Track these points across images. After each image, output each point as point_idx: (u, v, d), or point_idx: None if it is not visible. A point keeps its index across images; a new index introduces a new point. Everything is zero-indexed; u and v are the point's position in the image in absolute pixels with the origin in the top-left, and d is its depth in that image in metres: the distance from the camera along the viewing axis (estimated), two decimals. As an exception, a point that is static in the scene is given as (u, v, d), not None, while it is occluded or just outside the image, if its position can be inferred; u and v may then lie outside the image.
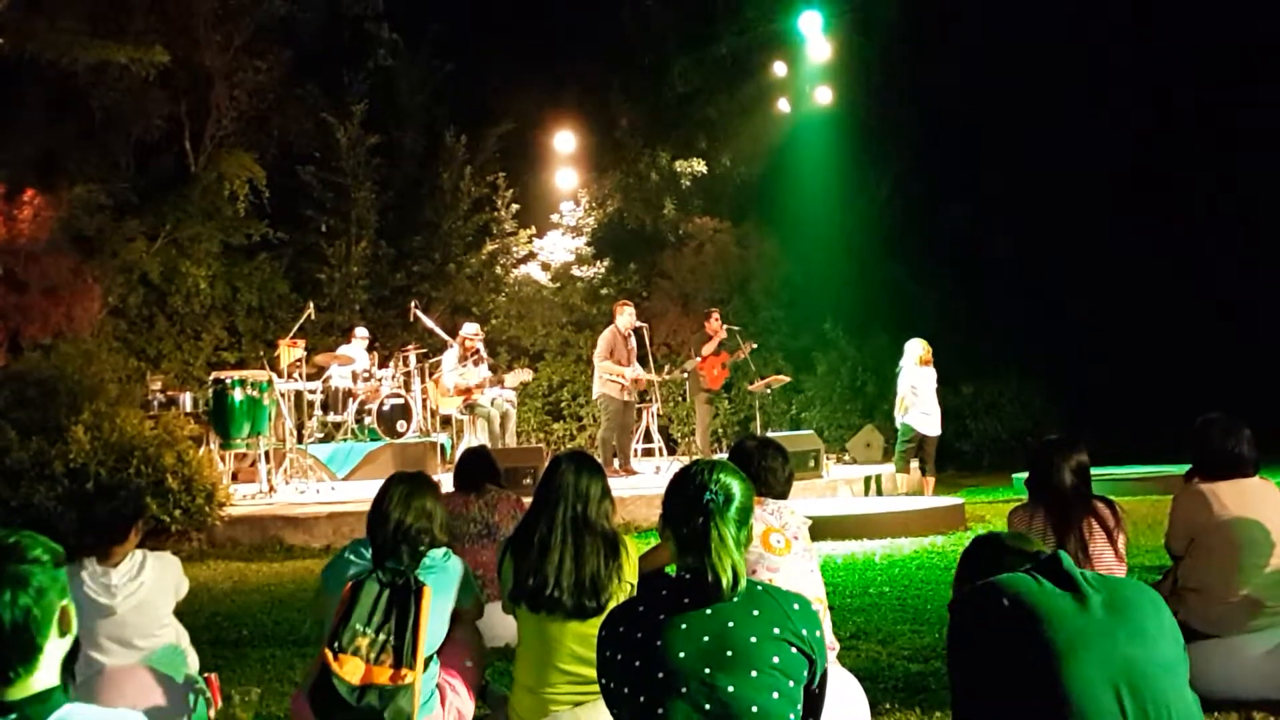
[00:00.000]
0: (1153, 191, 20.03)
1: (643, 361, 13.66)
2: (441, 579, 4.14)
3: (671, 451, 16.19)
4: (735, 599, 2.68)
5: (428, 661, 3.97)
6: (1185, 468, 5.04)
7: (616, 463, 13.18)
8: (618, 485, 11.89)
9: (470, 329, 14.17)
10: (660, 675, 2.59)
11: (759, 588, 2.79)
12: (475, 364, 13.77)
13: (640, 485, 12.21)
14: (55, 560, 2.45)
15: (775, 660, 2.59)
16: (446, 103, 21.37)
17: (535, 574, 4.08)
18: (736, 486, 2.81)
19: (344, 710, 3.79)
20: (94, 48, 15.80)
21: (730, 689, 2.56)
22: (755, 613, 2.66)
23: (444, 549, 4.28)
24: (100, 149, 17.83)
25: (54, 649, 2.41)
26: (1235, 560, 4.63)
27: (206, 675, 4.69)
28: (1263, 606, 4.65)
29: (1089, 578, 2.45)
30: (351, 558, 4.20)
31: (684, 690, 2.57)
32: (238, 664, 6.14)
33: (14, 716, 2.33)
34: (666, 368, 15.61)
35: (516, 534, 4.32)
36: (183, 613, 4.92)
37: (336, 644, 3.83)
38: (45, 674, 2.40)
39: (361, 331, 16.06)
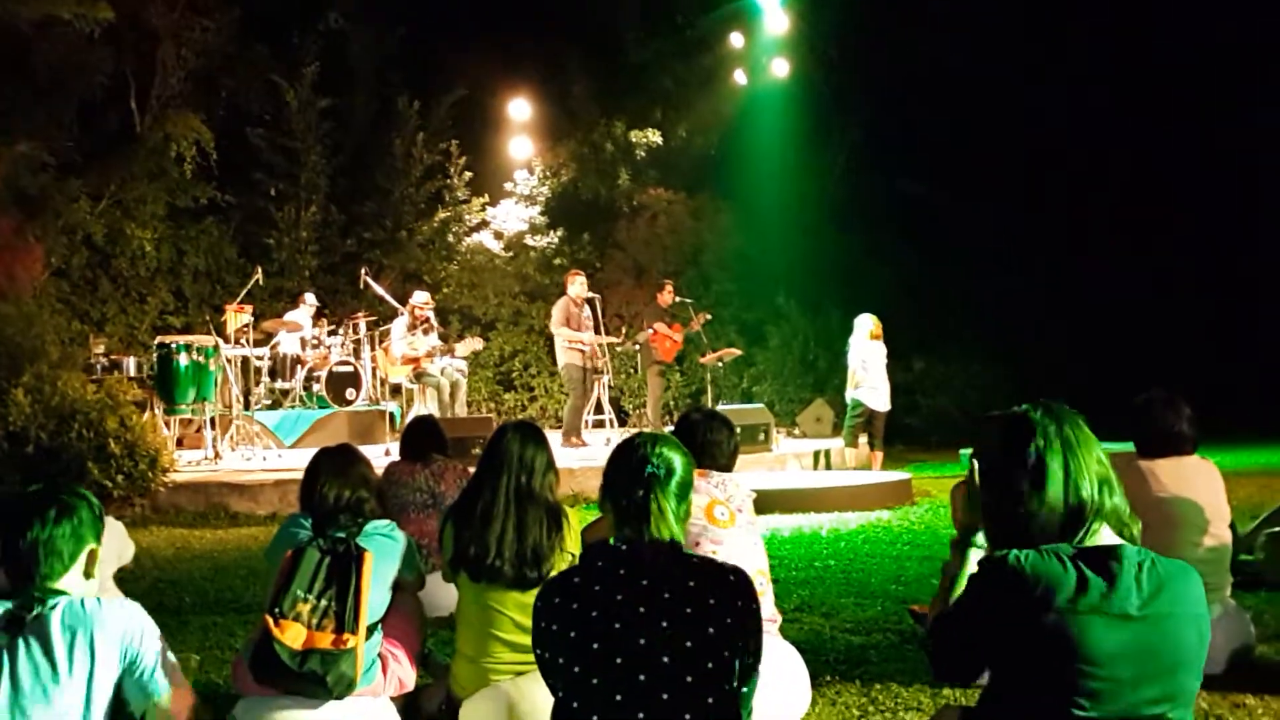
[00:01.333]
0: (1106, 166, 20.18)
1: (596, 331, 13.65)
2: (384, 546, 4.12)
3: (623, 423, 16.20)
4: (672, 570, 2.68)
5: (371, 630, 3.95)
6: (1131, 446, 5.08)
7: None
8: (568, 456, 11.91)
9: (420, 297, 14.07)
10: (596, 646, 2.59)
11: (694, 559, 2.78)
12: (425, 333, 13.68)
13: (591, 456, 12.20)
14: (98, 512, 3.11)
15: (710, 631, 2.59)
16: (399, 67, 21.12)
17: (477, 542, 4.07)
18: (678, 460, 2.82)
19: (286, 675, 3.77)
20: (36, 2, 15.48)
21: (665, 659, 2.56)
22: (691, 584, 2.65)
23: (389, 521, 4.27)
24: (44, 107, 17.47)
25: (75, 578, 3.02)
26: (1172, 537, 4.68)
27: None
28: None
29: (1141, 584, 2.42)
30: (294, 530, 4.18)
31: (619, 661, 2.56)
32: (179, 630, 6.08)
33: (18, 601, 2.92)
34: (621, 336, 15.59)
35: (459, 502, 4.31)
36: (124, 579, 4.88)
37: (277, 610, 3.81)
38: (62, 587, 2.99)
39: (310, 298, 15.90)
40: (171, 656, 3.13)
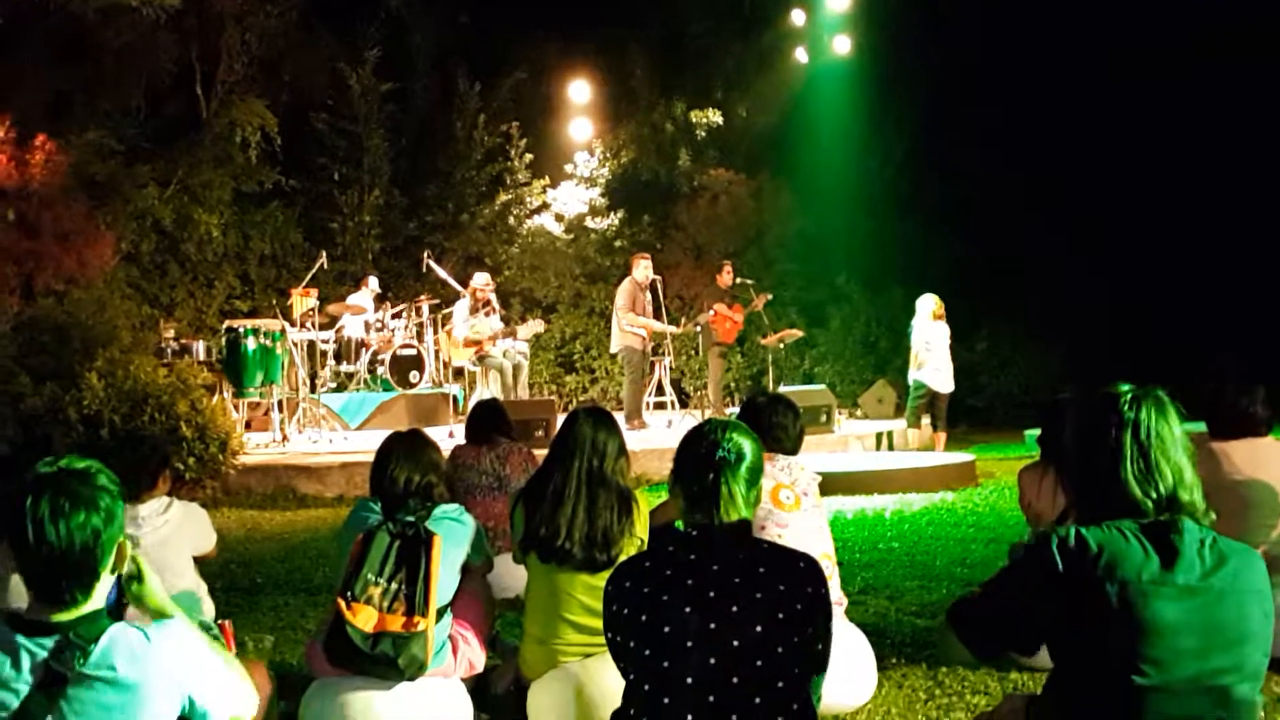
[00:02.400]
0: (1175, 144, 19.82)
1: (656, 314, 13.67)
2: (453, 530, 4.17)
3: (684, 405, 16.21)
4: (741, 556, 2.70)
5: (441, 612, 4.00)
6: (1200, 426, 5.02)
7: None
8: (629, 438, 11.92)
9: (481, 279, 14.12)
10: (666, 630, 2.61)
11: (764, 545, 2.81)
12: (487, 315, 13.74)
13: (652, 439, 12.23)
14: (119, 492, 2.62)
15: (780, 616, 2.61)
16: (460, 51, 21.19)
17: (547, 524, 4.10)
18: (748, 446, 2.84)
19: (358, 657, 3.83)
20: (104, -11, 15.70)
21: (735, 644, 2.58)
22: (761, 570, 2.67)
23: (457, 505, 4.31)
24: (111, 94, 17.71)
25: (107, 581, 2.60)
26: (1246, 520, 4.63)
27: (220, 622, 4.71)
28: (1273, 566, 4.65)
29: (1203, 559, 2.45)
30: (364, 514, 4.23)
31: (689, 645, 2.58)
32: (251, 611, 6.19)
33: (57, 638, 2.46)
34: (682, 320, 15.59)
35: (530, 484, 4.34)
36: (196, 559, 4.97)
37: (349, 593, 3.87)
38: (96, 601, 2.55)
39: (372, 281, 16.05)
40: (232, 670, 2.78)
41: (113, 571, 2.62)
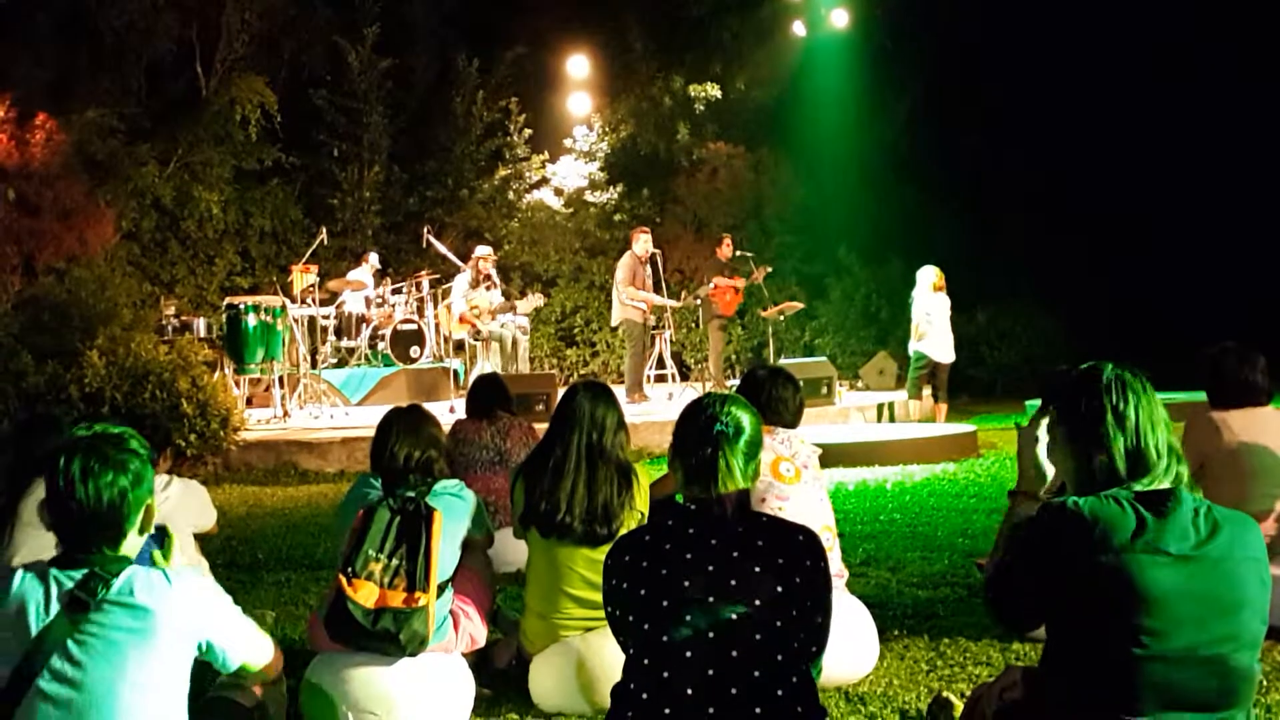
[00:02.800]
0: (1170, 113, 19.75)
1: (656, 287, 13.67)
2: (453, 505, 4.17)
3: (684, 378, 16.21)
4: (740, 529, 2.71)
5: (442, 588, 4.01)
6: (1199, 395, 5.03)
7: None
8: (629, 411, 11.95)
9: (483, 250, 14.12)
10: (665, 604, 2.62)
11: (763, 519, 2.82)
12: (488, 289, 13.74)
13: (652, 411, 12.25)
14: (149, 457, 2.89)
15: (779, 589, 2.62)
16: (459, 26, 21.12)
17: (548, 499, 4.12)
18: (747, 419, 2.84)
19: (360, 633, 3.84)
20: (103, -32, 15.67)
21: (734, 617, 2.58)
22: (760, 543, 2.68)
23: (457, 480, 4.31)
24: (111, 72, 17.70)
25: (134, 541, 2.86)
26: (1245, 488, 4.65)
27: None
28: (1273, 535, 4.66)
29: (1198, 528, 2.47)
30: (365, 490, 4.24)
31: (688, 618, 2.59)
32: (253, 587, 6.21)
33: (85, 571, 2.73)
34: (682, 294, 15.58)
35: (530, 459, 4.35)
36: (197, 536, 4.98)
37: (350, 569, 3.87)
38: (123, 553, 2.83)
39: (373, 257, 16.04)
40: (247, 620, 3.04)
41: (141, 532, 2.87)
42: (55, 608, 2.70)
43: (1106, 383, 2.58)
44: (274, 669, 3.23)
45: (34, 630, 2.69)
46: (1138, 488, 2.51)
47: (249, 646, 3.03)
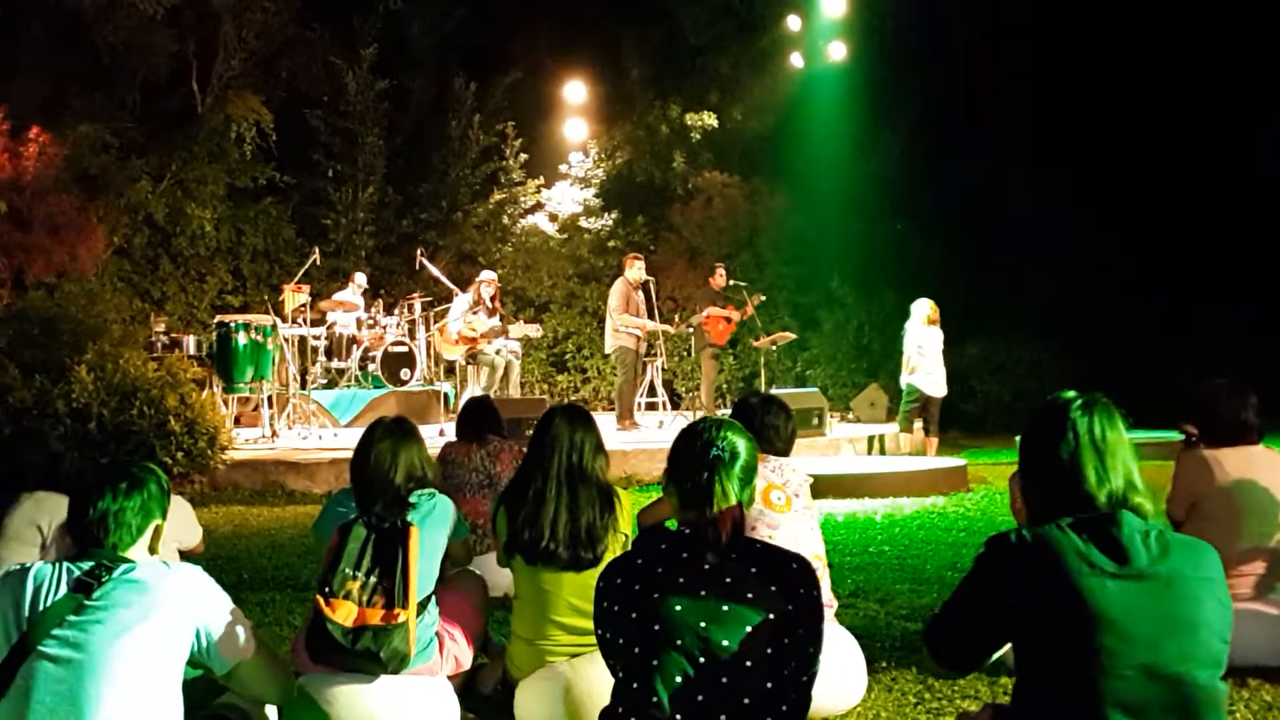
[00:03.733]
0: (1167, 149, 19.84)
1: (649, 314, 13.67)
2: (429, 517, 4.13)
3: (675, 406, 16.20)
4: (734, 555, 2.68)
5: (425, 605, 3.97)
6: (1176, 435, 5.02)
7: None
8: (621, 438, 11.92)
9: (488, 275, 14.13)
10: (656, 628, 2.59)
11: (757, 545, 2.79)
12: (490, 315, 13.73)
13: (643, 439, 12.21)
14: (166, 488, 3.21)
15: (771, 616, 2.59)
16: (456, 49, 21.21)
17: (531, 526, 4.08)
18: (742, 445, 2.82)
19: (340, 653, 3.79)
20: (101, -16, 15.69)
21: (725, 643, 2.56)
22: (753, 570, 2.65)
23: (430, 489, 4.26)
24: (106, 88, 17.71)
25: (141, 553, 3.08)
26: (1237, 527, 4.62)
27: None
28: (1263, 574, 4.64)
29: (1149, 547, 2.47)
30: (340, 507, 4.20)
31: (679, 643, 2.57)
32: (237, 607, 6.14)
33: (93, 563, 2.97)
34: (675, 320, 15.58)
35: (510, 486, 4.31)
36: (182, 554, 4.93)
37: (327, 589, 3.83)
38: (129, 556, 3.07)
39: (360, 277, 15.97)
40: (243, 619, 3.19)
41: (151, 551, 3.13)
42: (64, 591, 2.91)
43: (1073, 411, 2.58)
44: (277, 683, 3.41)
45: (41, 608, 2.90)
46: (1092, 514, 2.50)
47: (243, 643, 3.15)
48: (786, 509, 4.28)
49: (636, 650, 2.61)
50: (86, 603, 2.87)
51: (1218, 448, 4.79)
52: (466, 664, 4.29)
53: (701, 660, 2.55)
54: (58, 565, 2.97)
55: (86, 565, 2.95)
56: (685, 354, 17.67)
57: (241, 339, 12.38)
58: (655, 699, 2.55)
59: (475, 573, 4.84)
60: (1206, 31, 19.43)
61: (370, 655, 3.78)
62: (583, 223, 21.31)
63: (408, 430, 4.32)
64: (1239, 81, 19.61)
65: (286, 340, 13.73)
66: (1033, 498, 2.66)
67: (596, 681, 3.71)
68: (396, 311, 15.47)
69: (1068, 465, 2.54)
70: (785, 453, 4.54)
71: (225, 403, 12.52)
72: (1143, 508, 2.52)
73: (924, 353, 12.42)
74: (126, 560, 3.00)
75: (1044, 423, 2.61)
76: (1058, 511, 2.54)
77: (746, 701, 2.55)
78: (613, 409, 14.23)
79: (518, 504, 4.15)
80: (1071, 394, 2.63)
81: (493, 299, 13.81)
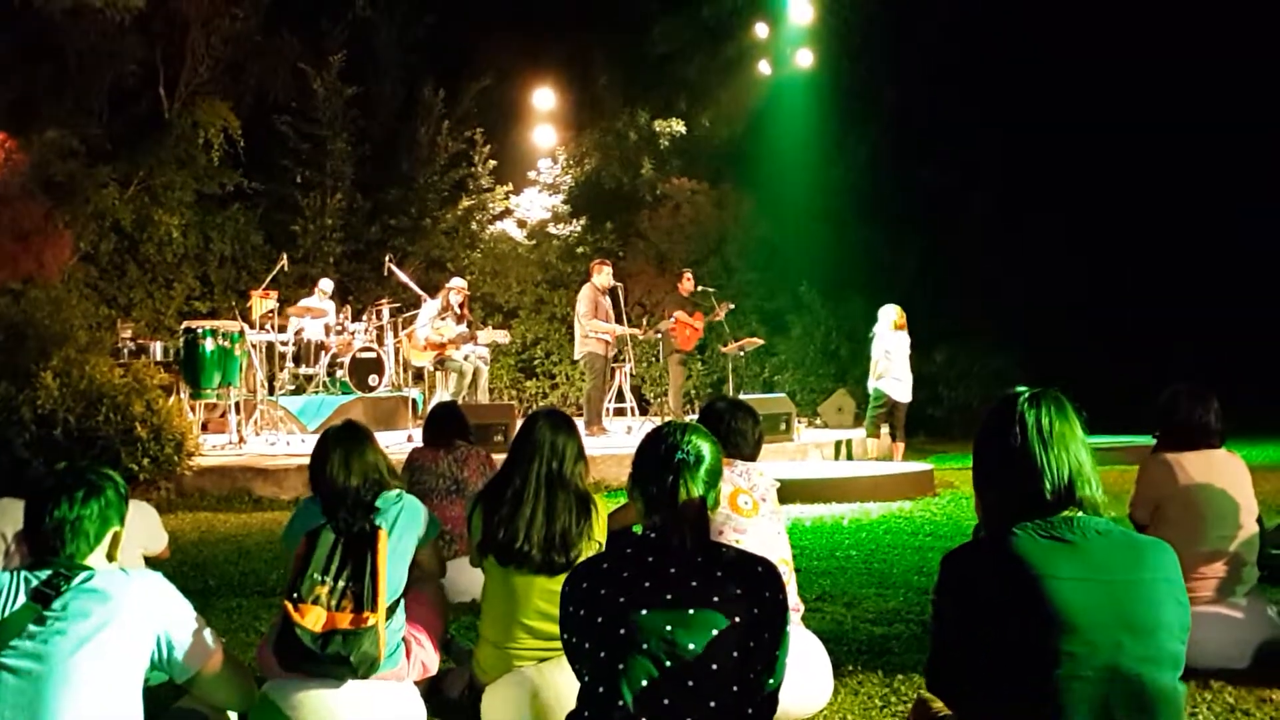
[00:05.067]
0: (1129, 157, 20.02)
1: (617, 319, 13.68)
2: (397, 519, 4.13)
3: (644, 412, 16.21)
4: (700, 559, 2.69)
5: (392, 610, 3.97)
6: (1148, 439, 5.06)
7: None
8: (590, 444, 11.93)
9: (457, 282, 14.12)
10: (622, 632, 2.60)
11: (723, 549, 2.80)
12: (457, 321, 13.71)
13: (612, 444, 12.23)
14: (124, 493, 3.14)
15: (736, 620, 2.60)
16: (425, 56, 21.18)
17: (506, 527, 4.09)
18: (707, 448, 2.82)
19: (309, 659, 3.79)
20: (69, -11, 15.58)
21: (691, 647, 2.57)
22: (719, 573, 2.66)
23: (396, 491, 4.27)
24: (74, 94, 17.60)
25: (99, 560, 3.04)
26: (1199, 530, 4.67)
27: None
28: (1224, 577, 4.69)
29: (1107, 548, 2.48)
30: (308, 514, 4.20)
31: (645, 647, 2.58)
32: (203, 614, 6.05)
33: (51, 572, 2.93)
34: (643, 326, 15.60)
35: (488, 487, 4.32)
36: (148, 561, 4.91)
37: (296, 595, 3.82)
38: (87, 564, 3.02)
39: (325, 283, 15.90)
40: (206, 626, 3.17)
41: (109, 559, 3.07)
42: (22, 600, 2.88)
43: (1021, 403, 2.59)
44: (239, 690, 3.36)
45: None
46: (1052, 516, 2.50)
47: (204, 650, 3.13)
48: (753, 513, 4.30)
49: (602, 654, 2.62)
50: (45, 613, 2.84)
51: (1179, 451, 4.85)
52: (433, 669, 4.30)
53: (667, 664, 2.56)
54: (15, 574, 2.93)
55: (44, 574, 2.92)
56: (654, 359, 17.69)
57: (209, 345, 12.33)
58: (621, 703, 2.56)
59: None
60: (1169, 43, 19.60)
61: (340, 659, 3.78)
62: (551, 229, 21.30)
63: (357, 434, 4.31)
64: (1200, 93, 19.80)
65: (254, 346, 13.68)
66: (984, 490, 2.67)
67: (563, 686, 3.72)
68: (365, 317, 15.44)
69: (1015, 456, 2.54)
70: (752, 457, 4.57)
71: (192, 409, 12.46)
72: (1091, 500, 2.52)
73: (891, 358, 12.48)
74: (85, 568, 2.97)
75: (994, 416, 2.61)
76: (1008, 504, 2.55)
77: (712, 705, 2.56)
78: (581, 414, 14.24)
79: (495, 504, 4.17)
80: (1023, 388, 2.63)
81: (461, 306, 13.81)
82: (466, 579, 5.25)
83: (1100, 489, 2.55)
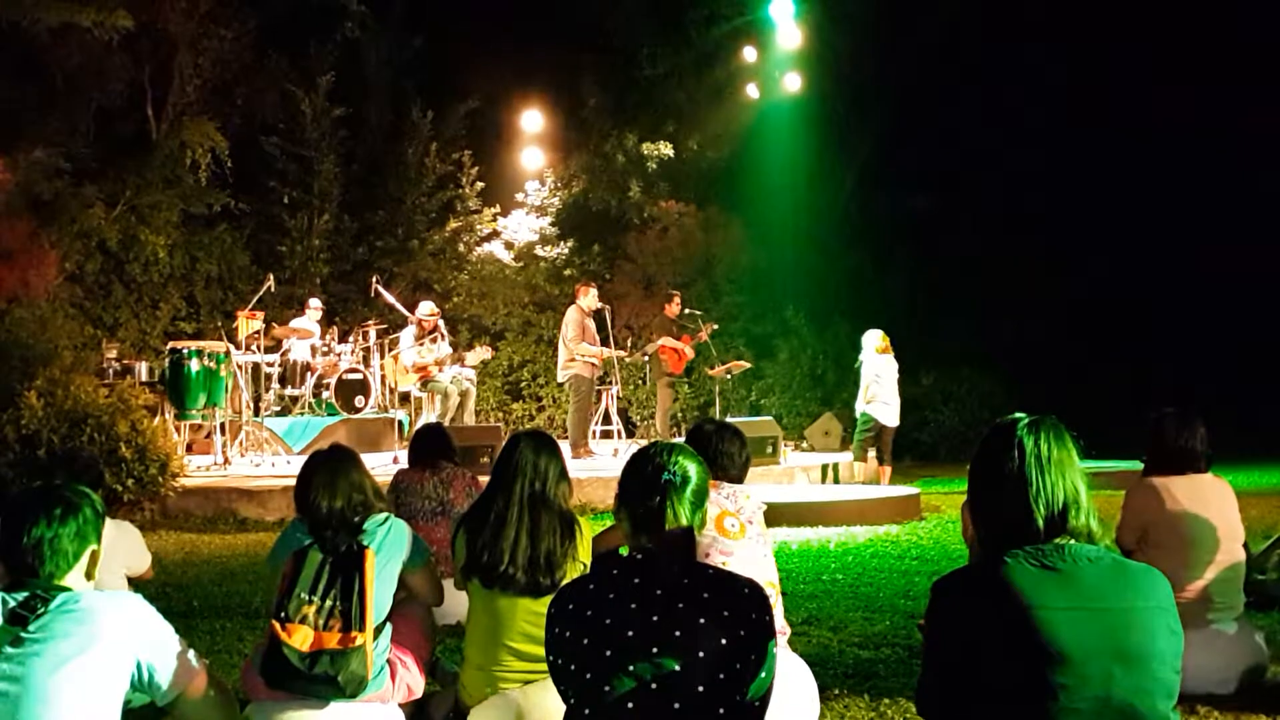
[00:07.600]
0: (1114, 186, 20.14)
1: (604, 342, 13.67)
2: (385, 541, 4.12)
3: (630, 434, 16.20)
4: (686, 580, 2.68)
5: (378, 632, 3.95)
6: (1138, 465, 5.07)
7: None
8: (575, 466, 11.90)
9: (426, 308, 14.09)
10: (608, 653, 2.58)
11: (709, 570, 2.78)
12: (434, 341, 13.69)
13: (598, 467, 12.21)
14: (101, 512, 3.10)
15: (723, 642, 2.59)
16: (413, 77, 21.23)
17: (490, 549, 4.07)
18: (694, 469, 2.82)
19: (297, 679, 3.77)
20: (57, 9, 15.56)
21: (676, 668, 2.55)
22: (705, 595, 2.65)
23: (384, 514, 4.26)
24: (61, 113, 17.56)
25: (77, 579, 3.00)
26: (1185, 555, 4.67)
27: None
28: (1211, 602, 4.69)
29: (1100, 577, 2.46)
30: (295, 535, 4.19)
31: (631, 669, 2.56)
32: (187, 635, 6.01)
33: (28, 593, 2.88)
34: (629, 347, 15.60)
35: (472, 509, 4.30)
36: (131, 582, 4.88)
37: (283, 614, 3.80)
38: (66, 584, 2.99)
39: (315, 303, 15.88)
40: (188, 649, 3.13)
41: (88, 577, 3.03)
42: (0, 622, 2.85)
43: (1020, 430, 2.58)
44: (221, 712, 3.30)
45: None
46: (1044, 543, 2.49)
47: (185, 673, 3.08)
48: (740, 536, 4.28)
49: (588, 676, 2.60)
50: (23, 634, 2.80)
51: (1166, 476, 4.85)
52: (418, 691, 4.27)
53: (653, 686, 2.54)
54: None
55: (21, 595, 2.88)
56: (640, 382, 17.69)
57: (194, 365, 12.27)
58: (607, 725, 2.55)
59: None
60: (1153, 70, 19.76)
61: (328, 679, 3.76)
62: (539, 251, 21.32)
63: (342, 457, 4.32)
64: (1182, 120, 19.92)
65: (240, 367, 13.64)
66: (979, 516, 2.66)
67: (549, 708, 3.70)
68: (351, 339, 15.41)
69: (1011, 482, 2.53)
70: (739, 480, 4.55)
71: (177, 429, 12.41)
72: (1084, 528, 2.51)
73: (881, 381, 12.50)
74: (63, 589, 2.93)
75: (992, 441, 2.61)
76: (1002, 530, 2.54)
77: (699, 727, 2.54)
78: (567, 437, 14.21)
79: (478, 526, 4.15)
80: (1021, 415, 2.63)
81: (434, 329, 13.74)
82: (452, 601, 5.21)
83: (1096, 517, 2.54)
